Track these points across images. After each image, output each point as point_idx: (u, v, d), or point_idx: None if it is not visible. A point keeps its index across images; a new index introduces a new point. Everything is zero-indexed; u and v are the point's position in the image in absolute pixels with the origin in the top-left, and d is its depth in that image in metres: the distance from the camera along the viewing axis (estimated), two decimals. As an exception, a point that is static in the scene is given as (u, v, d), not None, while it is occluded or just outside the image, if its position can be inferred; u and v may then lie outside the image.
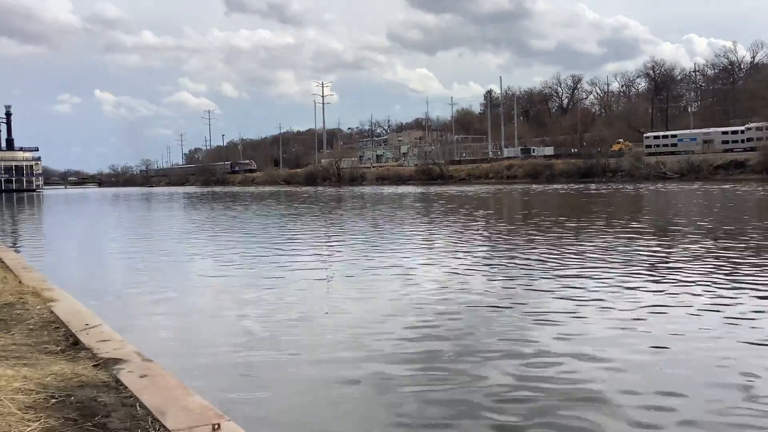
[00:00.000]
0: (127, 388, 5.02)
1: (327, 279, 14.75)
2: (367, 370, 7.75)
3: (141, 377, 5.29)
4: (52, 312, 7.99)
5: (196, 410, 4.48)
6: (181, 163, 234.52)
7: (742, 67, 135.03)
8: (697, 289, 11.69)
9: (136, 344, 6.57)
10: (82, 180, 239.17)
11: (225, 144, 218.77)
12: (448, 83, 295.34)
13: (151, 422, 4.25)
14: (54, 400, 4.63)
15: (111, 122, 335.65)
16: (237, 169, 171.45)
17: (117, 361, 5.75)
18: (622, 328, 9.20)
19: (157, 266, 17.39)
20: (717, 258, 15.35)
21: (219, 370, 7.83)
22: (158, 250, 21.11)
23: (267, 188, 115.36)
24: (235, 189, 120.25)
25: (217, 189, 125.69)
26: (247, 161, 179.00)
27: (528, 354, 8.13)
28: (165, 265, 17.72)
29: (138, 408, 4.54)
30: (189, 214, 46.77)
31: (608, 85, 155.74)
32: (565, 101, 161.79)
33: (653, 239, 19.89)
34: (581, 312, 10.27)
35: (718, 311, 10.00)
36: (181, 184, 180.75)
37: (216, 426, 4.12)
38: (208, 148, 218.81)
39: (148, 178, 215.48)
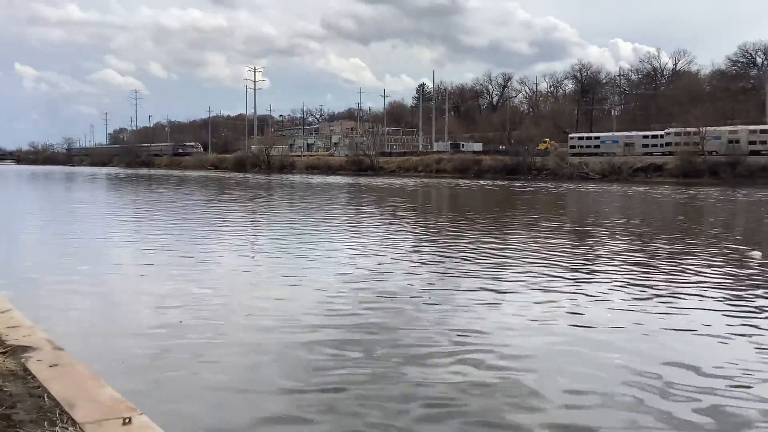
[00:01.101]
0: (35, 377, 4.89)
1: (252, 268, 14.60)
2: (286, 361, 7.77)
3: (51, 366, 5.16)
4: (-42, 296, 7.68)
5: (107, 402, 4.41)
6: (105, 143, 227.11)
7: (664, 73, 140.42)
8: (610, 284, 12.17)
9: (47, 332, 6.40)
10: (0, 156, 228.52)
11: (152, 125, 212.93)
12: (381, 75, 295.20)
13: (59, 414, 4.16)
14: (-44, 390, 4.47)
15: (32, 98, 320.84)
16: (181, 151, 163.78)
17: (26, 348, 5.59)
18: (535, 319, 9.51)
19: (74, 251, 16.87)
20: (632, 255, 16.00)
21: (134, 361, 7.70)
22: (76, 234, 20.46)
23: (195, 173, 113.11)
24: (161, 172, 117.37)
25: (142, 171, 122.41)
26: (193, 143, 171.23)
27: (445, 344, 8.31)
28: (83, 250, 17.20)
29: (46, 399, 4.43)
30: (110, 196, 45.40)
31: (537, 84, 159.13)
32: (496, 99, 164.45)
33: (571, 236, 20.55)
34: (496, 302, 10.57)
35: (630, 302, 10.46)
36: (104, 164, 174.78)
37: (127, 420, 4.06)
38: (134, 128, 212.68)
39: (69, 156, 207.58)
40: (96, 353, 7.63)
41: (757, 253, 16.05)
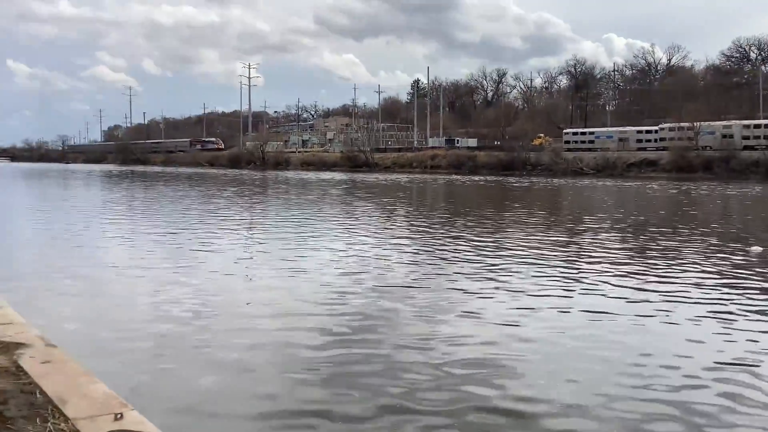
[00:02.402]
0: (27, 374, 4.91)
1: (247, 263, 14.60)
2: (283, 356, 7.81)
3: (43, 363, 5.18)
4: (-50, 294, 7.68)
5: (99, 398, 4.43)
6: (99, 140, 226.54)
7: (658, 68, 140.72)
8: (606, 278, 12.23)
9: (40, 328, 6.42)
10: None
11: (146, 122, 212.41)
12: (375, 71, 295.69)
13: (51, 410, 4.17)
14: (-52, 387, 4.48)
15: (24, 94, 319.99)
16: (199, 147, 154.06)
17: (18, 345, 5.61)
18: (531, 310, 9.55)
19: (68, 247, 16.86)
20: (628, 249, 16.08)
21: (127, 357, 7.71)
22: (71, 231, 20.44)
23: (189, 169, 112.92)
24: (157, 169, 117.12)
25: (138, 168, 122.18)
26: (213, 138, 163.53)
27: (445, 340, 8.35)
28: (77, 246, 17.18)
29: (38, 395, 4.45)
30: (105, 194, 45.33)
31: (531, 80, 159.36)
32: (490, 94, 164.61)
33: (566, 231, 20.62)
34: (493, 297, 10.60)
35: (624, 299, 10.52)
36: (99, 161, 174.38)
37: (118, 415, 4.09)
38: (129, 125, 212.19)
39: (64, 154, 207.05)
40: (89, 350, 7.64)
41: (757, 248, 16.05)
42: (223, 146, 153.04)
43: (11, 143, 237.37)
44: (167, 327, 8.95)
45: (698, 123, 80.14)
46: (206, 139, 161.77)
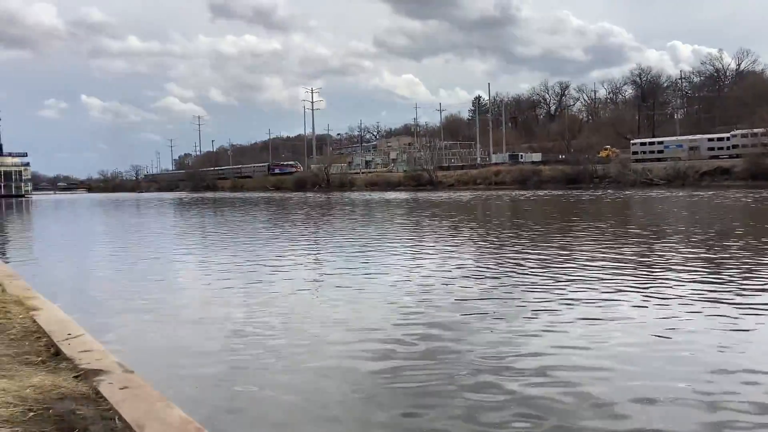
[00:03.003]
0: (106, 400, 5.00)
1: (315, 285, 14.70)
2: (354, 378, 7.76)
3: (121, 389, 5.27)
4: (34, 321, 7.93)
5: (176, 423, 4.47)
6: (171, 168, 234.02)
7: (727, 74, 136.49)
8: (687, 298, 11.78)
9: (118, 355, 6.55)
10: (72, 185, 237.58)
11: (215, 149, 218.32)
12: (435, 89, 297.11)
13: (130, 436, 4.23)
14: (32, 413, 4.60)
15: (99, 127, 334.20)
16: (277, 171, 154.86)
17: (98, 372, 5.73)
18: (604, 329, 9.26)
19: (143, 274, 17.31)
20: (704, 262, 15.49)
21: (203, 381, 7.80)
22: (145, 257, 21.03)
23: (257, 194, 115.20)
24: (226, 194, 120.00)
25: (208, 194, 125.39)
26: (291, 162, 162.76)
27: (512, 358, 8.16)
28: (151, 272, 17.64)
29: (117, 421, 4.52)
30: (176, 219, 46.59)
31: (595, 91, 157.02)
32: (553, 108, 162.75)
33: (638, 245, 20.02)
34: (563, 312, 10.33)
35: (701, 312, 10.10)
36: (171, 189, 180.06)
37: (195, 439, 4.11)
38: (198, 153, 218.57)
39: (137, 183, 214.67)
40: (166, 375, 7.77)
41: None
42: (301, 168, 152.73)
43: (87, 175, 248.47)
44: (240, 350, 9.04)
45: (773, 128, 77.19)
46: (285, 163, 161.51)
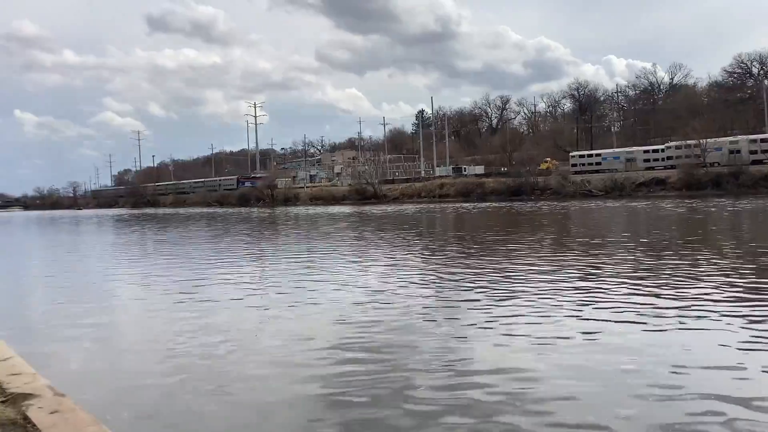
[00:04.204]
0: (35, 425, 4.88)
1: (259, 300, 14.52)
2: (297, 392, 7.72)
3: (51, 413, 5.15)
4: (-40, 346, 7.68)
5: (107, 447, 4.39)
6: (110, 184, 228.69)
7: (661, 87, 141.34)
8: (618, 304, 12.10)
9: (49, 378, 6.39)
10: (7, 203, 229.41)
11: (156, 165, 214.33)
12: (378, 103, 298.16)
13: (58, 461, 4.14)
14: (-45, 442, 4.46)
15: (34, 143, 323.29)
16: (249, 184, 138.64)
17: (27, 396, 5.58)
18: (543, 337, 9.44)
19: (78, 294, 16.85)
20: (641, 270, 15.94)
21: (138, 403, 7.65)
22: (80, 277, 20.51)
23: (199, 209, 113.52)
24: (168, 210, 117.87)
25: (149, 210, 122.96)
26: (264, 173, 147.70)
27: (456, 367, 8.25)
28: (87, 292, 17.19)
29: (45, 446, 4.42)
30: (116, 236, 45.52)
31: (535, 105, 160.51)
32: (495, 121, 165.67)
33: (577, 253, 20.48)
34: (504, 321, 10.50)
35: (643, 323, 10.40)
36: (110, 206, 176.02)
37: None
38: (138, 168, 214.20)
39: (75, 200, 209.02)
40: (101, 399, 7.61)
41: None
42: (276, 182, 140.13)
43: (23, 192, 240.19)
44: (179, 370, 8.88)
45: (705, 140, 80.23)
46: (257, 175, 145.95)
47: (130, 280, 19.31)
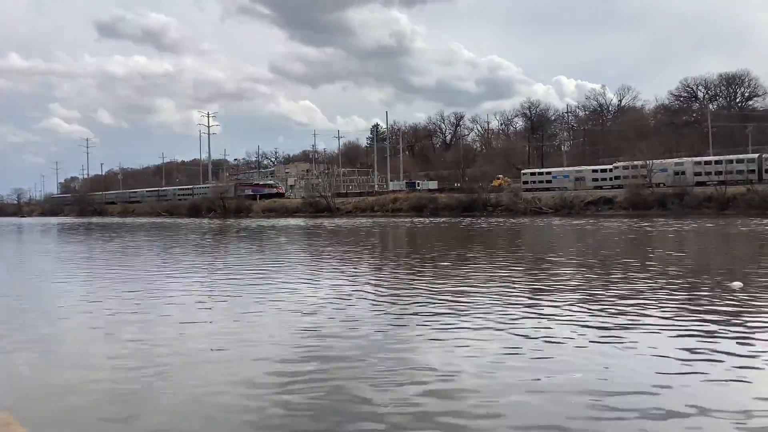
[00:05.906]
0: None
1: (207, 312, 14.34)
2: (246, 403, 7.67)
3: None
4: None
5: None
6: (56, 192, 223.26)
7: (610, 109, 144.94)
8: (563, 317, 12.34)
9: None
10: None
11: (104, 173, 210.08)
12: (332, 116, 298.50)
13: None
14: None
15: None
16: (250, 191, 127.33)
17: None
18: (491, 352, 9.59)
19: (18, 305, 16.42)
20: (589, 288, 16.27)
21: (82, 419, 7.50)
22: (23, 288, 19.97)
23: (148, 219, 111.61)
24: (115, 220, 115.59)
25: (95, 219, 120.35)
26: (270, 181, 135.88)
27: (402, 381, 8.32)
28: (30, 304, 16.76)
29: (-18, 464, 4.31)
30: (58, 246, 44.42)
31: (488, 122, 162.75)
32: (448, 137, 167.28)
33: (526, 270, 20.81)
34: (454, 336, 10.62)
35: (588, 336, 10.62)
36: (56, 214, 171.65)
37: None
38: (86, 176, 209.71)
39: (19, 207, 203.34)
40: (43, 415, 7.44)
41: (737, 284, 16.05)
42: (283, 190, 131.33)
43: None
44: (123, 385, 8.74)
45: (651, 161, 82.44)
46: (261, 183, 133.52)
47: (76, 292, 18.86)
